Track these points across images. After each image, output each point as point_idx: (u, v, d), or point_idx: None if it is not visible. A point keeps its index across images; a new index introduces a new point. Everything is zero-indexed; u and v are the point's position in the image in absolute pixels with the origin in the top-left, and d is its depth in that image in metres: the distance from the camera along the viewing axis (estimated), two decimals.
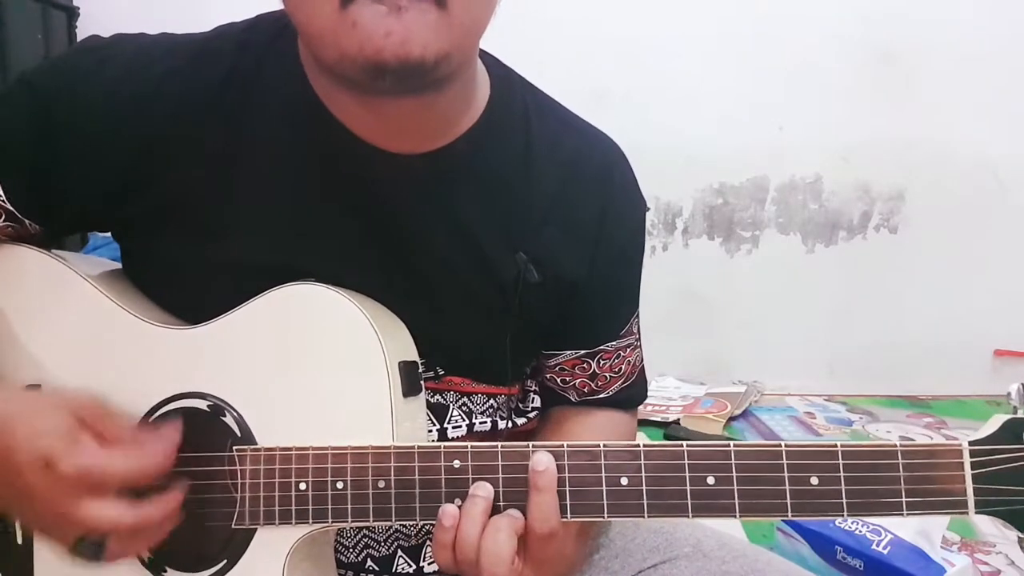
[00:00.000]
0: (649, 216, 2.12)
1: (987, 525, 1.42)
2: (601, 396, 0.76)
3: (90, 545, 0.53)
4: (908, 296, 2.12)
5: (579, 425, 0.75)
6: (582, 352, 0.73)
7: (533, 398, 0.76)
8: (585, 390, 0.75)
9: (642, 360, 0.79)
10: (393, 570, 0.67)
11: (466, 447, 0.54)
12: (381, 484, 0.54)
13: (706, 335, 2.17)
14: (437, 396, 0.67)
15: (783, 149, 2.10)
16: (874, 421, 1.94)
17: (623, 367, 0.75)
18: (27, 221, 0.63)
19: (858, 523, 1.14)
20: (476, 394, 0.69)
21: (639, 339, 0.77)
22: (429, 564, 0.68)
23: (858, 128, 2.07)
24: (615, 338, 0.73)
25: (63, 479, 0.52)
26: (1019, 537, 0.50)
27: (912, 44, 2.02)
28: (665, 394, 2.03)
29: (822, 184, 2.13)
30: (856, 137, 2.08)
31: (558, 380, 0.75)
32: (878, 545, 1.09)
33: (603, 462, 0.52)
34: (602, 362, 0.74)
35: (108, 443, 0.54)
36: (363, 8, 0.48)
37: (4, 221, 0.63)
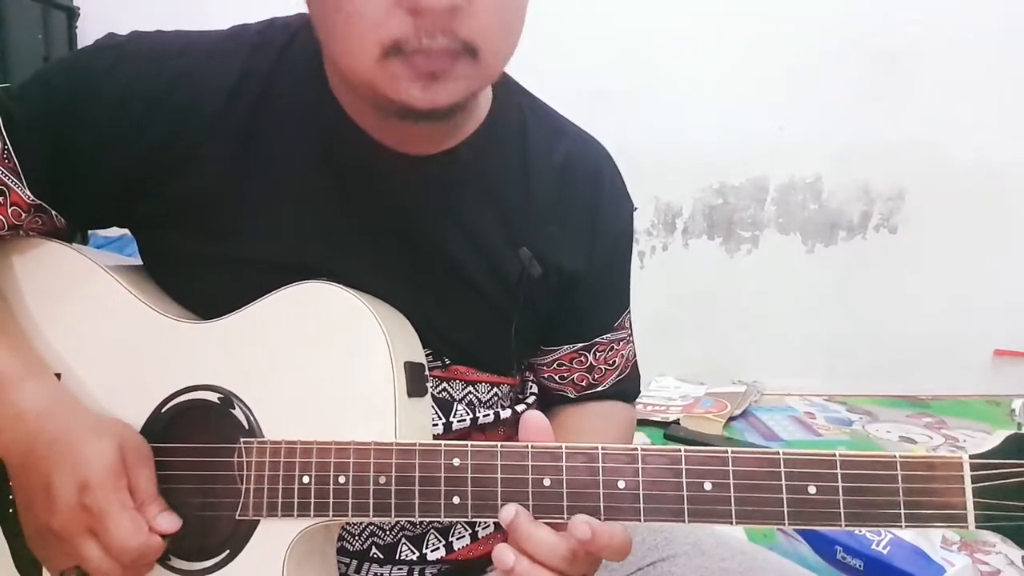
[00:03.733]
0: (649, 216, 2.15)
1: None
2: (598, 389, 0.78)
3: None
4: (908, 296, 2.12)
5: (583, 417, 0.78)
6: (579, 345, 0.76)
7: (531, 386, 0.79)
8: (583, 383, 0.78)
9: (635, 356, 0.82)
10: (397, 557, 0.68)
11: (466, 446, 0.54)
12: (382, 480, 0.55)
13: (706, 335, 2.17)
14: (444, 385, 0.69)
15: (783, 149, 2.10)
16: (874, 421, 1.95)
17: (617, 359, 0.78)
18: (54, 212, 0.65)
19: None
20: (481, 383, 0.71)
21: (631, 335, 0.80)
22: (432, 552, 0.69)
23: (858, 128, 2.07)
24: (609, 330, 0.76)
25: (86, 508, 0.54)
26: (1023, 557, 0.49)
27: (912, 44, 2.02)
28: (665, 394, 2.02)
29: (822, 184, 2.13)
30: (856, 137, 2.08)
31: (556, 377, 0.78)
32: (878, 545, 1.10)
33: (600, 464, 0.52)
34: (598, 354, 0.77)
35: (133, 495, 0.57)
36: (402, 67, 0.51)
37: (33, 215, 0.65)
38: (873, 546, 1.11)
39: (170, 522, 0.57)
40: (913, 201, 2.11)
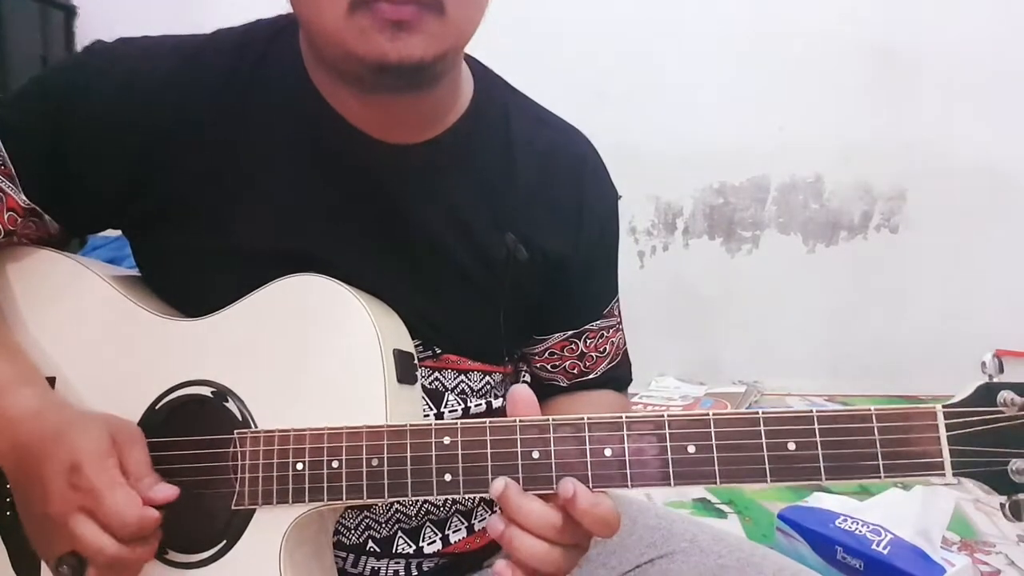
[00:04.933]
0: (649, 216, 2.15)
1: (987, 525, 1.42)
2: (590, 377, 0.79)
3: (71, 566, 0.55)
4: (908, 296, 2.12)
5: (575, 405, 0.78)
6: (570, 333, 0.76)
7: (524, 376, 0.79)
8: (575, 371, 0.78)
9: (625, 343, 0.82)
10: (393, 551, 0.69)
11: (456, 424, 0.55)
12: (374, 462, 0.55)
13: (706, 335, 2.18)
14: (435, 375, 0.69)
15: (783, 149, 2.11)
16: None
17: (607, 347, 0.79)
18: (47, 217, 0.66)
19: (858, 523, 1.14)
20: (473, 372, 0.71)
21: (621, 323, 0.81)
22: (428, 544, 0.69)
23: (858, 128, 2.07)
24: (598, 317, 0.77)
25: (78, 487, 0.54)
26: (1001, 503, 0.49)
27: (912, 44, 2.03)
28: (665, 394, 2.03)
29: (822, 184, 2.14)
30: (856, 137, 2.08)
31: (548, 366, 0.78)
32: (878, 545, 1.10)
33: (587, 434, 0.53)
34: (588, 341, 0.77)
35: (126, 474, 0.57)
36: (368, 18, 0.52)
37: (27, 219, 0.66)
38: (873, 546, 1.10)
39: (165, 491, 0.57)
40: (914, 201, 2.11)
